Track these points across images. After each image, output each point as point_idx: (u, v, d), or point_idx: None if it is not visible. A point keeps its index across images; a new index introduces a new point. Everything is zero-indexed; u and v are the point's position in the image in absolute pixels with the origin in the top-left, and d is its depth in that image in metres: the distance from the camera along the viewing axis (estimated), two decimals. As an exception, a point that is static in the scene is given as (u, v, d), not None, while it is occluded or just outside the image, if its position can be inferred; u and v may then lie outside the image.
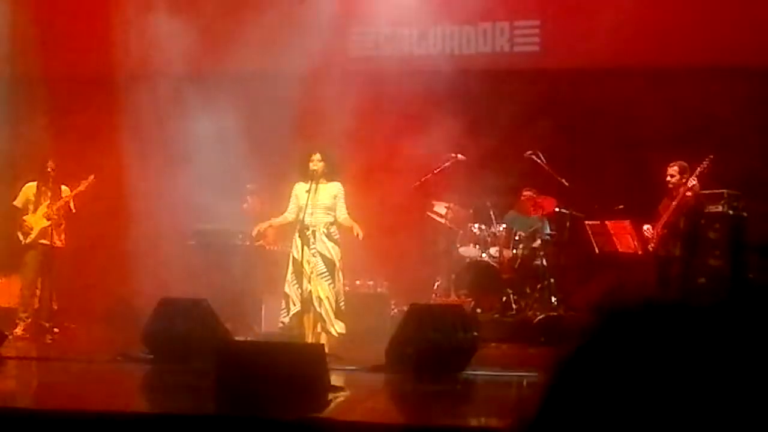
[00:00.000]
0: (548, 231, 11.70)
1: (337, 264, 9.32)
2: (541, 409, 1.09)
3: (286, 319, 9.28)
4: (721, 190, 10.85)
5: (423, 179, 11.30)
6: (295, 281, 9.25)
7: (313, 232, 9.28)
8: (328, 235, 9.31)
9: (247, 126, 12.42)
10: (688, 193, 10.15)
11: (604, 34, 11.96)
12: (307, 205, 9.25)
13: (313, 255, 9.23)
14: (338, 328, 9.19)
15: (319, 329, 9.21)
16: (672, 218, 10.22)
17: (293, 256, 9.33)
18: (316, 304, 9.17)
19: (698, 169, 10.11)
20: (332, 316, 9.19)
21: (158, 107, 12.62)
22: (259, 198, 11.66)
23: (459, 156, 11.50)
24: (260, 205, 11.63)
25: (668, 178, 10.29)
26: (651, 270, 10.41)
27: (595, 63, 12.15)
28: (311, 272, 9.20)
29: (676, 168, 10.24)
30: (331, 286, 9.23)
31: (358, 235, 9.25)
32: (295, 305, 9.24)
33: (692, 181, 10.09)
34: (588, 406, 1.05)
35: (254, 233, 10.12)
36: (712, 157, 10.08)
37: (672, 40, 11.87)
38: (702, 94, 11.72)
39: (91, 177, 11.23)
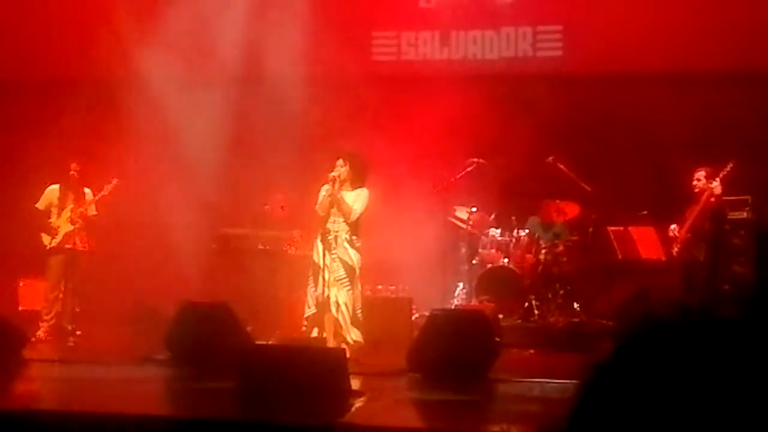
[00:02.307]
0: (570, 237, 11.65)
1: (357, 271, 9.29)
2: (573, 417, 1.07)
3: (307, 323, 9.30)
4: (745, 196, 10.78)
5: (445, 184, 11.28)
6: (313, 285, 9.26)
7: (335, 237, 9.27)
8: (350, 242, 9.29)
9: (270, 130, 12.44)
10: (712, 198, 10.10)
11: (627, 38, 11.92)
12: (329, 211, 9.24)
13: (333, 260, 9.21)
14: (354, 335, 9.16)
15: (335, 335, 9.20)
16: (697, 222, 10.17)
17: (314, 260, 9.32)
18: (333, 309, 9.15)
19: (721, 173, 10.05)
20: (349, 323, 9.16)
21: (182, 111, 12.66)
22: (281, 202, 11.67)
23: (480, 161, 11.47)
24: (282, 209, 11.64)
25: (695, 182, 10.26)
26: (674, 277, 10.34)
27: (618, 68, 12.10)
28: (330, 277, 9.19)
29: (702, 173, 10.20)
30: (350, 292, 9.21)
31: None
32: (310, 308, 9.25)
33: (715, 184, 10.02)
34: (622, 416, 1.04)
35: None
36: (735, 161, 10.02)
37: (695, 45, 11.81)
38: (725, 99, 11.65)
39: (115, 181, 11.25)
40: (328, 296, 9.14)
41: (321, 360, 7.31)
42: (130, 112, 12.82)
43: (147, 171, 12.61)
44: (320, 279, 9.18)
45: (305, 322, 9.30)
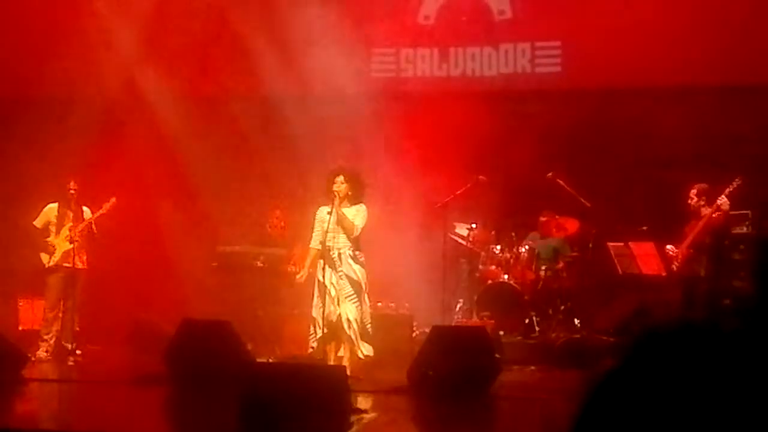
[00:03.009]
0: (570, 252, 11.64)
1: (364, 286, 9.29)
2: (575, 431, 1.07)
3: (315, 344, 9.24)
4: (745, 211, 10.77)
5: (445, 200, 11.28)
6: (320, 304, 9.22)
7: (339, 255, 9.26)
8: (354, 258, 9.29)
9: (269, 147, 12.46)
10: (715, 214, 10.09)
11: (626, 53, 11.93)
12: (328, 228, 9.23)
13: (339, 278, 9.20)
14: (365, 350, 9.15)
15: (342, 352, 9.17)
16: (698, 238, 10.17)
17: (318, 279, 9.30)
18: (345, 326, 9.13)
19: (728, 189, 10.05)
20: (359, 337, 9.15)
21: (181, 129, 12.67)
22: (281, 219, 11.67)
23: (480, 177, 11.47)
24: (282, 226, 11.63)
25: (689, 201, 10.28)
26: (674, 292, 10.32)
27: (617, 82, 12.12)
28: (337, 295, 9.17)
29: (694, 191, 10.24)
30: (359, 308, 9.20)
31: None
32: (320, 328, 9.20)
33: (722, 200, 10.01)
34: (622, 430, 1.03)
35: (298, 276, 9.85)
36: (742, 177, 10.01)
37: (694, 60, 11.82)
38: (725, 113, 11.67)
39: (113, 199, 11.24)
40: (339, 314, 9.13)
41: (322, 377, 7.30)
42: (129, 130, 12.84)
43: (146, 189, 12.61)
44: (327, 298, 9.16)
45: (314, 344, 9.24)
